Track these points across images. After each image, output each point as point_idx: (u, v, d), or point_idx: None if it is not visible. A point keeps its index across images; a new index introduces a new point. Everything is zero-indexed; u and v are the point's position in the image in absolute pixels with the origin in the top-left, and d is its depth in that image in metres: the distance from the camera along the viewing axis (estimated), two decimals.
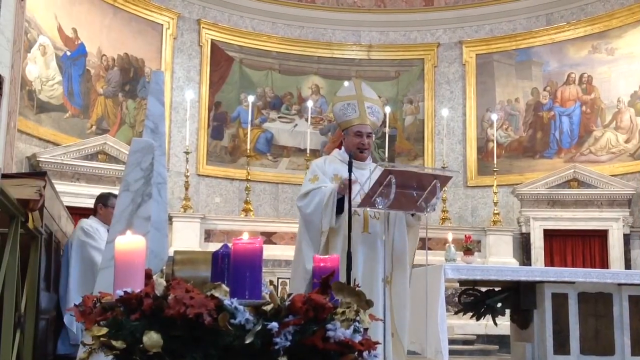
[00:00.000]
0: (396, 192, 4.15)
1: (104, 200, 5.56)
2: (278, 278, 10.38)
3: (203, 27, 13.18)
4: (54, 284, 4.76)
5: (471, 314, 6.68)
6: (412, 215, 4.60)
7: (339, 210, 4.40)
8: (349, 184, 4.16)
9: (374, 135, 4.82)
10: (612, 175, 12.15)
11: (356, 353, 2.01)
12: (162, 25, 12.77)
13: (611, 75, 12.65)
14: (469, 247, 8.29)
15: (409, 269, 4.68)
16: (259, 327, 1.91)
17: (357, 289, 2.18)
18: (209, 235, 11.45)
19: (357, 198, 4.30)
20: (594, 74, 12.80)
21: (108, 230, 5.44)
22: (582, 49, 12.92)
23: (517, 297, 6.42)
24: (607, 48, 12.67)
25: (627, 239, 11.84)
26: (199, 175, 12.83)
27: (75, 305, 2.04)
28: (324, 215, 4.42)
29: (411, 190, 4.29)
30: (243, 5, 13.45)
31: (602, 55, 12.74)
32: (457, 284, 6.91)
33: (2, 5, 6.20)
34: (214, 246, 10.23)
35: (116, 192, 3.39)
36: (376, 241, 4.52)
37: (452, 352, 6.44)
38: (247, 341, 1.89)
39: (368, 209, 4.44)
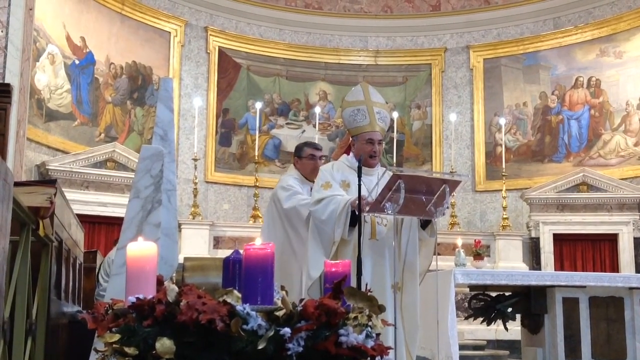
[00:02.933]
0: (405, 197, 4.13)
1: (297, 152, 5.27)
2: None
3: (210, 35, 13.22)
4: (65, 291, 4.77)
5: (481, 319, 6.64)
6: (424, 228, 4.58)
7: (352, 222, 4.38)
8: (358, 189, 4.14)
9: (384, 142, 4.82)
10: (621, 179, 12.10)
11: (369, 358, 2.01)
12: (169, 32, 12.82)
13: (619, 79, 12.62)
14: (478, 252, 8.26)
15: (419, 280, 4.67)
16: (271, 333, 1.91)
17: (369, 294, 2.18)
18: (217, 242, 11.46)
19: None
20: (602, 77, 12.77)
21: (311, 187, 5.16)
22: (590, 52, 12.89)
23: (527, 302, 6.39)
24: (615, 51, 12.64)
25: (637, 242, 11.79)
26: (207, 182, 12.84)
27: (87, 311, 2.04)
28: (337, 226, 4.40)
29: (420, 195, 4.27)
30: (250, 12, 13.49)
31: (610, 59, 12.71)
32: (467, 289, 6.88)
33: (11, 14, 6.24)
34: (223, 253, 10.23)
35: (126, 199, 3.39)
36: (384, 248, 4.51)
37: (462, 358, 6.41)
38: (260, 347, 1.89)
39: (375, 215, 4.42)
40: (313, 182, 4.99)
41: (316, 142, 5.60)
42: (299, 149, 5.28)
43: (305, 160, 5.18)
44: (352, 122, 4.70)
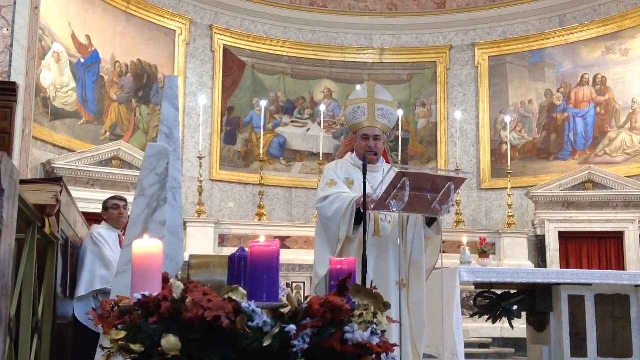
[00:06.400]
0: (410, 194, 4.13)
1: (104, 204, 5.73)
2: (292, 282, 10.38)
3: (215, 33, 13.23)
4: (70, 289, 4.78)
5: (487, 317, 6.64)
6: (429, 226, 4.57)
7: (357, 220, 4.37)
8: (364, 187, 4.14)
9: (384, 138, 4.77)
10: (627, 177, 12.07)
11: (374, 355, 2.01)
12: (174, 31, 12.82)
13: (625, 76, 12.58)
14: (484, 250, 8.26)
15: (425, 277, 4.66)
16: (276, 330, 1.91)
17: (374, 291, 2.18)
18: (223, 240, 11.47)
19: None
20: (608, 74, 12.73)
21: (118, 234, 5.53)
22: (596, 49, 12.85)
23: (533, 300, 6.38)
24: (620, 49, 12.60)
25: None
26: (212, 180, 12.85)
27: (93, 308, 2.04)
28: (342, 224, 4.40)
29: (425, 193, 4.26)
30: (255, 10, 13.49)
31: (615, 56, 12.67)
32: (473, 287, 6.89)
33: (17, 13, 6.24)
34: (228, 251, 10.24)
35: (131, 197, 3.40)
36: (387, 244, 4.51)
37: (468, 356, 6.41)
38: (265, 344, 1.89)
39: (379, 212, 4.42)
40: (118, 229, 5.49)
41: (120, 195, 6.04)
42: (105, 202, 5.72)
43: (111, 210, 5.62)
44: (351, 119, 4.72)
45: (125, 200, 5.74)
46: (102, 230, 5.43)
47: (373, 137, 4.61)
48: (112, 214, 5.59)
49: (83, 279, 5.03)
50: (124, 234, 5.38)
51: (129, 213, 3.32)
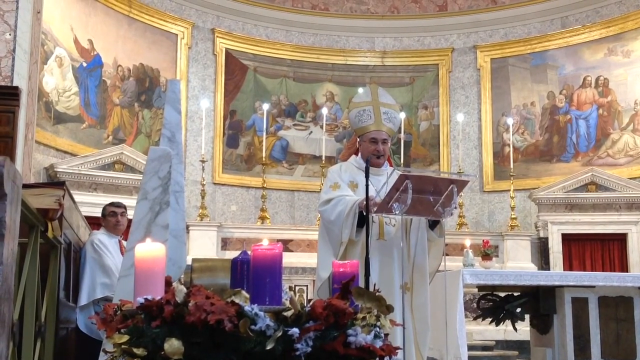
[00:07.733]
0: (413, 197, 4.12)
1: (102, 211, 5.72)
2: (295, 285, 10.38)
3: (217, 36, 13.24)
4: (73, 293, 4.78)
5: (490, 319, 6.63)
6: (432, 229, 4.57)
7: (360, 223, 4.37)
8: (366, 189, 4.14)
9: (390, 141, 4.80)
10: (630, 178, 12.04)
11: (377, 358, 2.00)
12: (176, 35, 12.84)
13: (627, 78, 12.56)
14: (487, 252, 8.25)
15: (428, 280, 4.66)
16: (279, 333, 1.91)
17: (377, 294, 2.18)
18: (225, 244, 11.47)
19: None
20: (610, 76, 12.72)
21: (118, 239, 5.53)
22: (598, 51, 12.84)
23: (536, 302, 6.37)
24: (622, 50, 12.59)
25: None
26: (215, 183, 12.86)
27: (96, 313, 2.05)
28: (345, 227, 4.40)
29: (428, 196, 4.26)
30: (257, 13, 13.50)
31: (618, 58, 12.65)
32: (476, 290, 6.87)
33: (19, 17, 6.26)
34: (231, 254, 10.23)
35: (134, 201, 3.40)
36: (392, 248, 4.50)
37: (471, 358, 6.40)
38: (268, 347, 1.89)
39: (383, 215, 4.42)
40: (117, 235, 5.46)
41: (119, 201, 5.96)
42: (103, 209, 5.70)
43: (109, 217, 5.60)
44: (357, 123, 4.71)
45: (123, 206, 5.70)
46: (102, 236, 5.42)
47: (381, 140, 4.62)
48: (109, 221, 5.58)
49: (84, 288, 5.02)
50: (124, 239, 5.38)
51: (132, 217, 3.31)
